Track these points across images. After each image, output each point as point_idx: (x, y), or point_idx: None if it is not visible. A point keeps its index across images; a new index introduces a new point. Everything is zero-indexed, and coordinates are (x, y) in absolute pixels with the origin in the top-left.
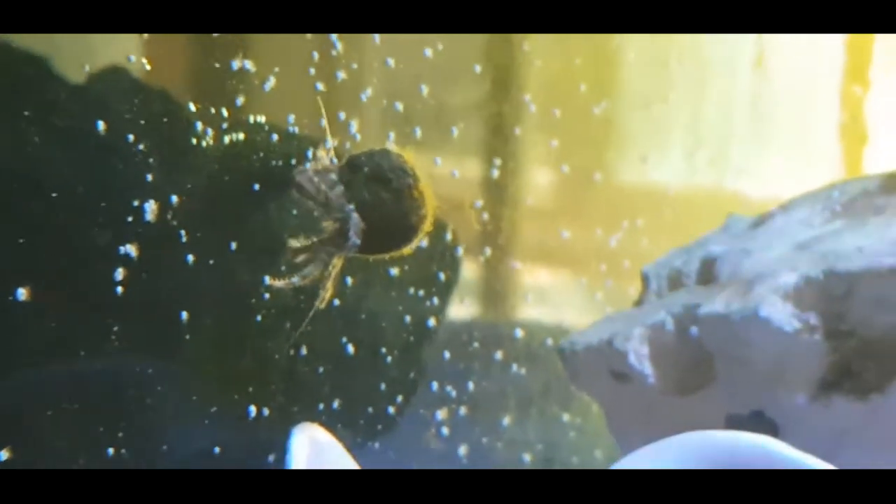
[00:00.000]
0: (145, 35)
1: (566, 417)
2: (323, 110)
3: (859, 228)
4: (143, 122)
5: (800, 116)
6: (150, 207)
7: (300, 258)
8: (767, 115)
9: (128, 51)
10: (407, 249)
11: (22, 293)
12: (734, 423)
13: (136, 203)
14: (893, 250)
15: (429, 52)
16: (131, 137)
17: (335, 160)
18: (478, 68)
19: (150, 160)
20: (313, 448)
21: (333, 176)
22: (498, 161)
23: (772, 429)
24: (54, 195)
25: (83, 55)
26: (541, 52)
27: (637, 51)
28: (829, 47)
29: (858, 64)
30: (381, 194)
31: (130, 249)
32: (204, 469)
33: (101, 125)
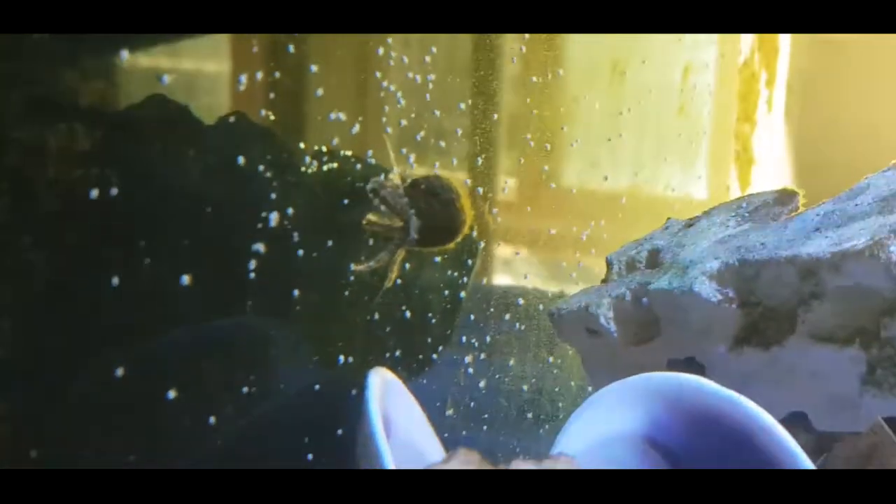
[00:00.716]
0: (271, 94)
1: (551, 359)
2: (389, 146)
3: (762, 230)
4: (267, 156)
5: (709, 146)
6: (274, 217)
7: (376, 241)
8: (688, 146)
9: (252, 105)
10: (451, 245)
11: (185, 279)
12: (673, 365)
13: (263, 214)
14: (787, 245)
15: (462, 105)
16: (261, 168)
17: (401, 182)
18: (495, 116)
19: (273, 183)
20: (383, 384)
21: (401, 191)
22: (509, 181)
23: (700, 370)
24: (208, 210)
25: (215, 103)
26: (537, 106)
27: (600, 102)
28: (727, 97)
29: (747, 109)
30: (434, 205)
31: (260, 247)
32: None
33: (242, 159)
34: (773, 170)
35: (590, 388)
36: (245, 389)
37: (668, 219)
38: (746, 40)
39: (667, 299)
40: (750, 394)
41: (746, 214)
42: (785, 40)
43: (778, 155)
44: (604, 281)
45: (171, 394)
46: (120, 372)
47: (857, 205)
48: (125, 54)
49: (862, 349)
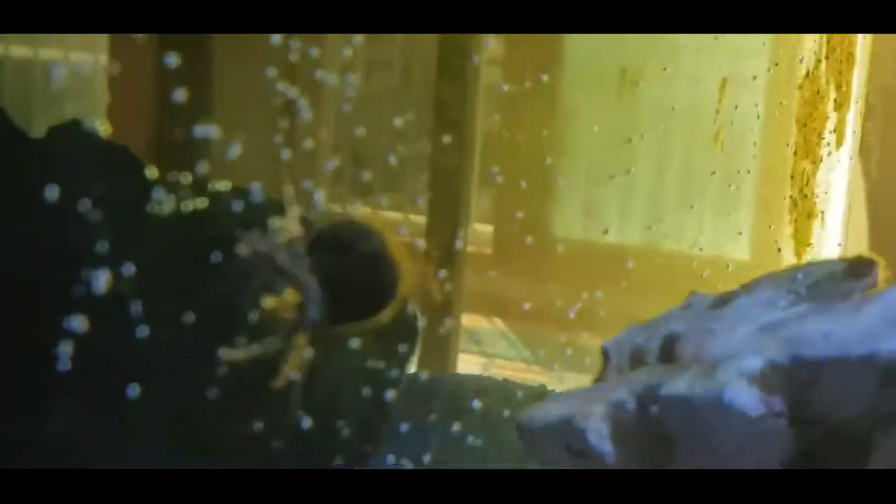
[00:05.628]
0: (109, 95)
1: None
2: (288, 179)
3: (825, 313)
4: (100, 185)
5: (755, 191)
6: (102, 278)
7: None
8: (724, 189)
9: (91, 109)
10: (379, 320)
11: None
12: None
13: (86, 273)
14: (861, 338)
15: (399, 121)
16: (89, 203)
17: (300, 230)
18: (447, 138)
19: (105, 227)
20: None
21: (298, 247)
22: (466, 231)
23: None
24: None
25: (46, 107)
26: (510, 125)
27: (601, 124)
28: (782, 123)
29: (809, 140)
30: (346, 265)
31: (78, 322)
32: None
33: (56, 187)
34: (843, 226)
35: None
36: None
37: (692, 293)
38: (810, 45)
39: (686, 410)
40: None
41: (804, 291)
42: (865, 46)
43: (851, 205)
44: (597, 379)
45: None
46: None
47: None
48: None
49: None
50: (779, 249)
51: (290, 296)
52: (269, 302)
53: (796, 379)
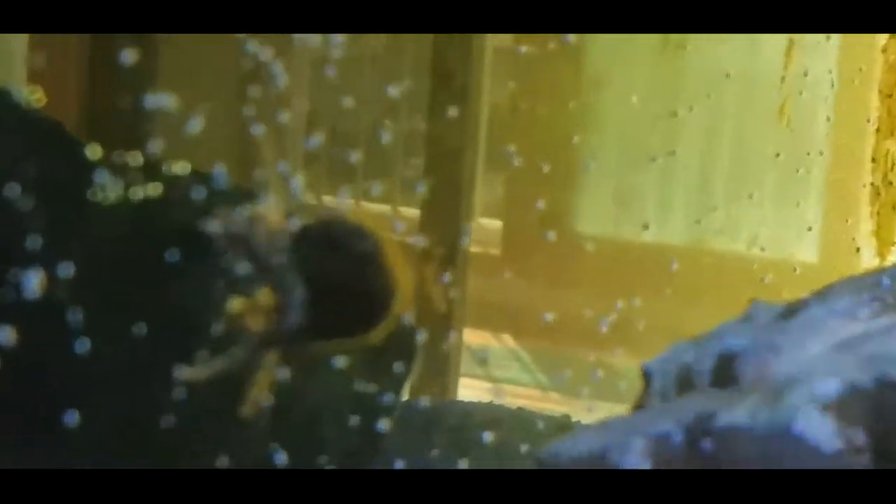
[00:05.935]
0: (39, 59)
1: None
2: (265, 158)
3: None
4: (29, 168)
5: (828, 177)
6: (35, 279)
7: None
8: (791, 175)
9: (16, 75)
10: (369, 337)
11: None
12: None
13: (15, 274)
14: None
15: (392, 90)
16: (15, 189)
17: (281, 220)
18: (452, 111)
19: (38, 218)
20: None
21: (283, 240)
22: (474, 226)
23: None
24: None
25: None
26: (528, 96)
27: (641, 93)
28: (861, 94)
29: (895, 115)
30: (334, 264)
31: (4, 334)
32: None
33: None
34: None
35: None
36: None
37: (753, 301)
38: None
39: (747, 445)
40: None
41: (890, 299)
42: None
43: None
44: (636, 407)
45: None
46: None
47: None
48: None
49: None
50: (857, 248)
51: (264, 297)
52: (236, 304)
53: (882, 406)
